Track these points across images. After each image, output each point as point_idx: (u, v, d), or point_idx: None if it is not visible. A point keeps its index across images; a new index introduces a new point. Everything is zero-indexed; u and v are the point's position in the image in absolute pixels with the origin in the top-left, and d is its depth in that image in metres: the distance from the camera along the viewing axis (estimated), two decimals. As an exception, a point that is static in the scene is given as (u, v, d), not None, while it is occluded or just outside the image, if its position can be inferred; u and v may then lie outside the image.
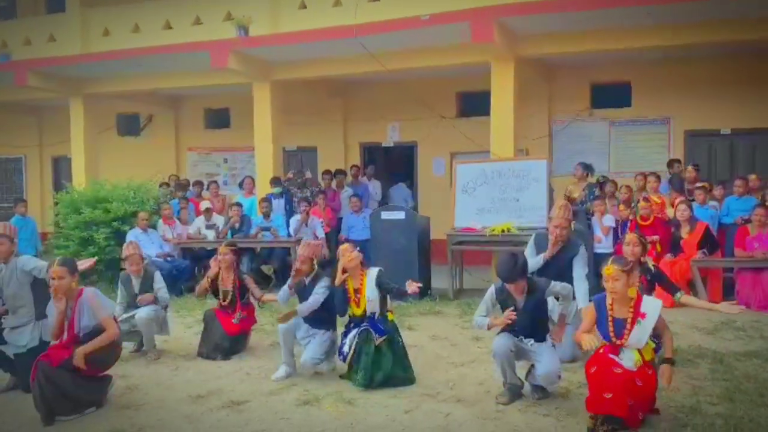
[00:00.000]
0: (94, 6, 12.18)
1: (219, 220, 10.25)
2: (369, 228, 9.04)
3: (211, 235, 9.93)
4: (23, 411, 4.60)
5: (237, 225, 9.94)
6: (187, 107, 14.44)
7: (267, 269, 9.99)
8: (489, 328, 4.63)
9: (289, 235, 9.69)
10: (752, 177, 8.93)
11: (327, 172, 11.44)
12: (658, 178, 9.15)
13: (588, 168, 9.71)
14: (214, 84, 11.57)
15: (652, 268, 5.09)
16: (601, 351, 4.10)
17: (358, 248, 5.29)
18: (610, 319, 4.11)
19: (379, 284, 5.14)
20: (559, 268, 5.26)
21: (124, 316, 5.96)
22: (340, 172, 11.40)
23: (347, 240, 8.92)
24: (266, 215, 9.96)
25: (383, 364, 4.96)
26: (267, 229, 9.80)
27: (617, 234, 8.35)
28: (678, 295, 4.86)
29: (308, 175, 11.46)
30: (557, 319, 4.76)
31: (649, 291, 4.95)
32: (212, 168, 14.31)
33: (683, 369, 5.14)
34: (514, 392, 4.62)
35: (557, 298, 4.77)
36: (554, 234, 5.34)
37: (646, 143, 11.11)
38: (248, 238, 9.69)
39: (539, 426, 4.16)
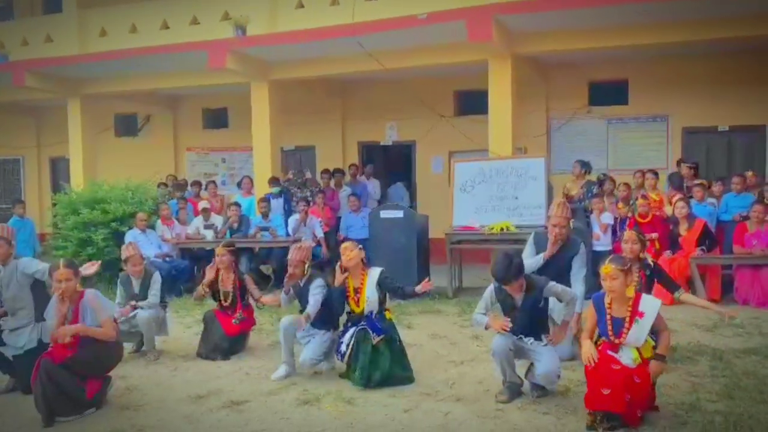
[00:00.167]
0: (91, 6, 12.16)
1: (217, 220, 10.24)
2: (368, 227, 9.04)
3: (209, 235, 9.91)
4: (23, 412, 4.60)
5: (235, 225, 9.94)
6: (185, 107, 14.43)
7: (266, 269, 9.96)
8: (487, 329, 4.63)
9: (287, 234, 9.68)
10: (750, 174, 8.96)
11: (326, 171, 11.43)
12: (657, 175, 9.17)
13: (586, 165, 9.71)
14: (212, 84, 11.57)
15: (652, 263, 5.10)
16: (599, 348, 4.12)
17: (359, 246, 5.23)
18: (608, 317, 4.12)
19: (382, 286, 5.12)
20: (559, 267, 5.23)
21: (124, 318, 5.95)
22: (339, 172, 11.39)
23: (347, 239, 8.90)
24: (265, 215, 9.96)
25: (381, 363, 4.94)
26: (266, 229, 9.80)
27: (616, 231, 8.36)
28: (677, 293, 4.86)
29: (308, 175, 11.48)
30: (559, 324, 4.75)
31: (648, 287, 4.96)
32: (210, 168, 14.30)
33: (682, 366, 5.16)
34: (514, 390, 4.61)
35: (559, 300, 4.73)
36: (554, 233, 5.29)
37: (644, 141, 11.13)
38: (247, 238, 9.69)
39: (539, 424, 4.16)
